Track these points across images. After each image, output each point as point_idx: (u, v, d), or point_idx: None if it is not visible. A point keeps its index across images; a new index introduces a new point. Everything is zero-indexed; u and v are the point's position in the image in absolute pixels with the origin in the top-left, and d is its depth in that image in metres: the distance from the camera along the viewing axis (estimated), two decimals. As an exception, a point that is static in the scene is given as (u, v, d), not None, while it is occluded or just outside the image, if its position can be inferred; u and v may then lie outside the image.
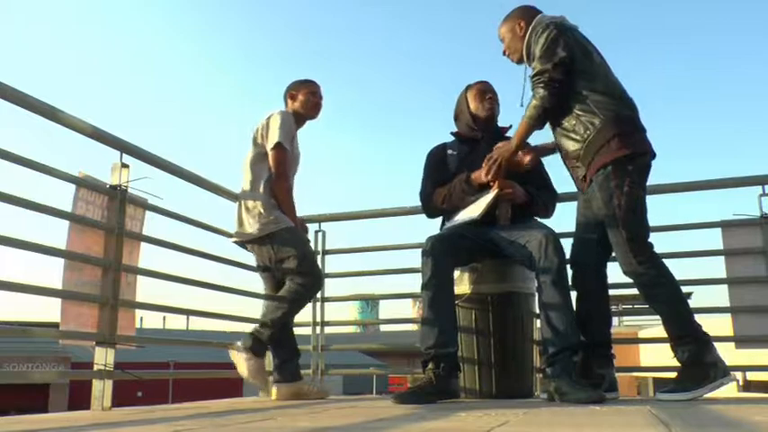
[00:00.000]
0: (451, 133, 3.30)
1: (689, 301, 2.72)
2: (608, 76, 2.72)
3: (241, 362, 3.01)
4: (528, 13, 2.90)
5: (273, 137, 3.11)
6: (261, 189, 3.13)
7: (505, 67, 3.02)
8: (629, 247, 2.54)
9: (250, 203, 3.13)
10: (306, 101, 3.33)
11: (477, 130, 3.19)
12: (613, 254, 2.70)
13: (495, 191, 2.90)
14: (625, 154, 2.54)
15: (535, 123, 2.75)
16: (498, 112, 3.26)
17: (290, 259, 3.05)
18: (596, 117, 2.60)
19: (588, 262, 2.84)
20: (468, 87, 3.27)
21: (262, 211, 3.08)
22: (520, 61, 2.92)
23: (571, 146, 2.69)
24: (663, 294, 2.57)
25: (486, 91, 3.22)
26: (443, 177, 3.16)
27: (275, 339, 3.10)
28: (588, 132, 2.61)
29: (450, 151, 3.24)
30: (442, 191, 3.10)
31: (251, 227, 3.10)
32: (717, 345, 2.59)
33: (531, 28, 2.79)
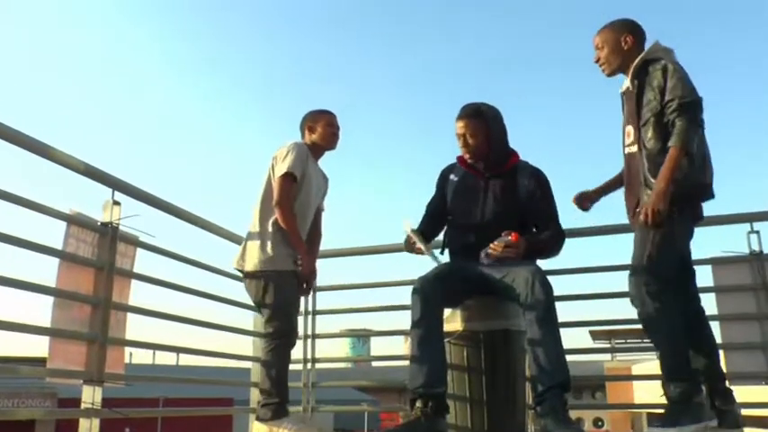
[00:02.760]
0: (457, 157, 3.11)
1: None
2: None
3: None
4: (637, 31, 2.76)
5: (282, 167, 3.06)
6: (269, 223, 3.09)
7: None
8: (646, 270, 2.53)
9: (256, 237, 3.10)
10: (324, 132, 3.30)
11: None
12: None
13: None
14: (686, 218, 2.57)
15: (690, 149, 2.49)
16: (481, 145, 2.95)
17: (267, 304, 3.04)
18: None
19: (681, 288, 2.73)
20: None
21: (264, 247, 3.05)
22: (611, 74, 2.81)
23: (650, 173, 2.58)
24: (663, 327, 2.55)
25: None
26: (438, 209, 3.16)
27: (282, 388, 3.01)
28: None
29: (452, 176, 3.13)
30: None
31: (248, 261, 3.08)
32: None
33: (650, 50, 2.68)
